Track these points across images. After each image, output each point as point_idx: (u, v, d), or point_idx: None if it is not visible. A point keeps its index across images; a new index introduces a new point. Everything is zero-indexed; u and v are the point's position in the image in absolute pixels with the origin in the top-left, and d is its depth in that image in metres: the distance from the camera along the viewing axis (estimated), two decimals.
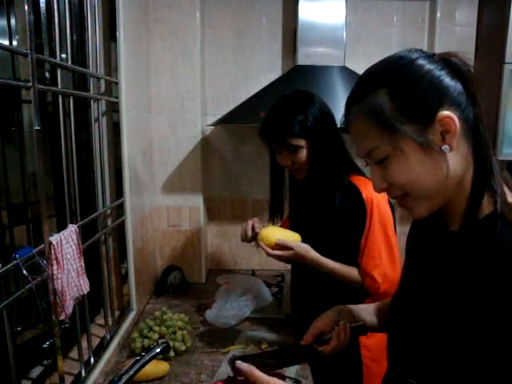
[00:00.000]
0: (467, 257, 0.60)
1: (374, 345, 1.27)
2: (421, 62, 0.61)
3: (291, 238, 1.23)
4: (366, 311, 0.92)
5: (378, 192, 0.66)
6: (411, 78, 0.60)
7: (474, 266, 0.58)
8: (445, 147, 0.59)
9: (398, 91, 0.60)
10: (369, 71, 0.65)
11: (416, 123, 0.59)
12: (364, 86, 0.64)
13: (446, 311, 0.62)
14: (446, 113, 0.58)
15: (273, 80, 1.81)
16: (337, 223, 1.22)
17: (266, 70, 2.01)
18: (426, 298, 0.67)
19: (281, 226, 1.50)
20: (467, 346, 0.58)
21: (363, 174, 1.27)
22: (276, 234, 1.23)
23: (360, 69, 1.87)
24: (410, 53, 0.62)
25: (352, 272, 1.22)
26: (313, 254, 1.21)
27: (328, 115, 1.23)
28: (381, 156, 0.62)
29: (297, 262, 1.24)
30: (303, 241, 1.24)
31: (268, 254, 1.22)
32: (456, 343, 0.60)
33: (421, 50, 0.63)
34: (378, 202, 1.18)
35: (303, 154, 1.20)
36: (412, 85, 0.59)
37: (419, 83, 0.59)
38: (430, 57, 0.62)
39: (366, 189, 1.19)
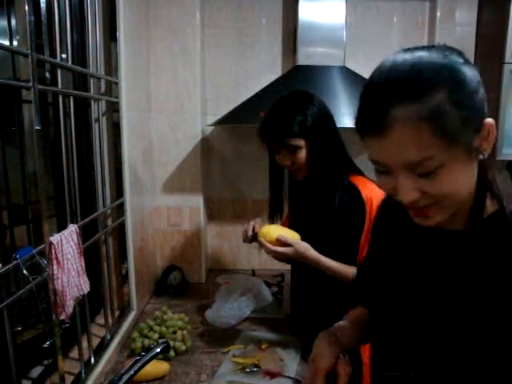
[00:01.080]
0: (483, 256, 0.60)
1: None
2: (470, 66, 0.58)
3: (292, 235, 1.24)
4: (347, 332, 0.87)
5: (407, 204, 0.59)
6: (470, 83, 0.56)
7: (493, 265, 0.58)
8: (483, 154, 0.58)
9: (458, 96, 0.54)
10: (418, 70, 0.56)
11: (471, 130, 0.56)
12: (417, 86, 0.55)
13: (465, 314, 0.60)
14: (489, 120, 0.58)
15: (273, 80, 1.81)
16: (337, 223, 1.22)
17: (266, 70, 2.01)
18: (436, 303, 0.65)
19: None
20: (492, 347, 0.57)
21: (362, 174, 1.27)
22: (277, 231, 1.23)
23: (360, 69, 1.88)
24: (453, 53, 0.59)
25: (351, 271, 1.21)
26: (313, 252, 1.21)
27: (327, 115, 1.22)
28: (433, 167, 0.55)
29: (296, 260, 1.24)
30: (303, 240, 1.24)
31: (268, 250, 1.22)
32: (479, 343, 0.58)
33: (457, 51, 0.60)
34: (378, 201, 1.18)
35: (302, 154, 1.20)
36: (471, 90, 0.56)
37: (477, 88, 0.57)
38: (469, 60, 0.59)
39: (366, 188, 1.20)
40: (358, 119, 0.60)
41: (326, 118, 1.22)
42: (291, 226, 1.40)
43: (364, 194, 1.18)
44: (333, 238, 1.24)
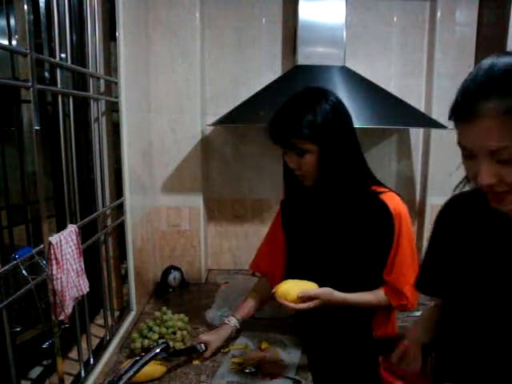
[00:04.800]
0: None
1: None
2: None
3: (310, 287, 1.17)
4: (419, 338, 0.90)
5: (485, 187, 0.65)
6: None
7: None
8: None
9: None
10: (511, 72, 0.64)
11: None
12: (508, 85, 0.62)
13: None
14: None
15: (273, 80, 1.81)
16: (362, 237, 1.16)
17: (266, 70, 2.00)
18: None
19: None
20: None
21: (381, 183, 1.20)
22: (295, 288, 1.16)
23: (360, 69, 1.88)
24: None
25: (380, 296, 1.17)
26: (337, 295, 1.15)
27: (343, 116, 1.13)
28: (509, 156, 0.62)
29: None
30: (317, 261, 1.21)
31: (293, 312, 1.16)
32: None
33: None
34: (405, 215, 1.14)
35: (311, 159, 1.10)
36: None
37: None
38: None
39: (393, 202, 1.13)
40: (454, 106, 0.67)
41: (341, 118, 1.11)
42: (290, 242, 1.33)
43: (392, 208, 1.12)
44: (358, 254, 1.18)
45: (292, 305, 1.13)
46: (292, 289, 1.15)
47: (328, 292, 1.15)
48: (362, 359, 1.23)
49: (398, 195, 1.17)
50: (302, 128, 1.07)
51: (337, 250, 1.20)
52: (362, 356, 1.23)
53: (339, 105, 1.13)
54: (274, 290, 1.18)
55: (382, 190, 1.17)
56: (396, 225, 1.12)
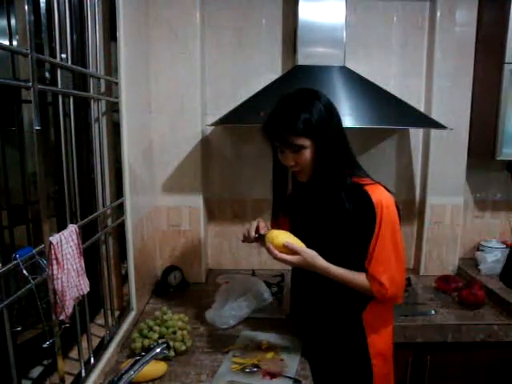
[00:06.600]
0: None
1: (382, 343, 1.26)
2: None
3: (298, 243, 1.19)
4: None
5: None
6: None
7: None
8: None
9: None
10: None
11: None
12: None
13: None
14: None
15: (273, 80, 1.81)
16: (346, 228, 1.18)
17: (266, 70, 2.01)
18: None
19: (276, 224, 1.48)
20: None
21: (369, 176, 1.23)
22: (284, 237, 1.20)
23: (360, 69, 1.88)
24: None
25: (361, 278, 1.18)
26: (321, 261, 1.18)
27: (334, 113, 1.18)
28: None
29: (303, 268, 1.20)
30: (308, 245, 1.21)
31: (275, 257, 1.18)
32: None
33: None
34: (388, 205, 1.15)
35: (307, 154, 1.15)
36: None
37: None
38: None
39: (376, 192, 1.16)
40: None
41: (333, 116, 1.17)
42: (292, 228, 1.38)
43: (374, 198, 1.15)
44: (341, 243, 1.21)
45: (276, 252, 1.17)
46: (281, 236, 1.19)
47: (312, 254, 1.18)
48: (354, 348, 1.26)
49: (387, 189, 1.20)
50: (298, 125, 1.12)
51: (322, 239, 1.23)
52: (353, 345, 1.26)
53: (331, 104, 1.19)
54: (262, 232, 1.24)
55: (368, 182, 1.20)
56: (378, 214, 1.15)
